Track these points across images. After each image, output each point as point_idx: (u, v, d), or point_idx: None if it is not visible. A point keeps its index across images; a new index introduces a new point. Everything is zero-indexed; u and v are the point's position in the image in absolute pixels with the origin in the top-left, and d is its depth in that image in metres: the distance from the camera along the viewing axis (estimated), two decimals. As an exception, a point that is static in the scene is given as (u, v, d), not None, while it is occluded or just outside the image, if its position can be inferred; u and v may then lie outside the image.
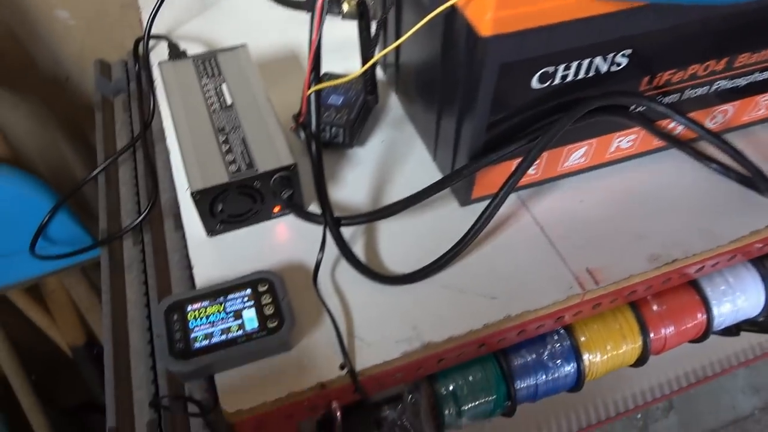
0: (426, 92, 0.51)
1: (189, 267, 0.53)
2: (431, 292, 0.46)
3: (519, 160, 0.47)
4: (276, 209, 0.49)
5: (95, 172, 0.63)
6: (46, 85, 0.83)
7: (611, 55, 0.42)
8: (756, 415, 1.27)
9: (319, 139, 0.45)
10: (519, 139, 0.44)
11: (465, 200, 0.50)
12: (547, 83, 0.42)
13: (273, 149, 0.47)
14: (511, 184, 0.44)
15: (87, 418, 1.07)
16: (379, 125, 0.58)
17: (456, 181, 0.45)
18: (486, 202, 0.48)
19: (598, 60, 0.42)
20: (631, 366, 0.55)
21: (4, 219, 0.68)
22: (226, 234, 0.49)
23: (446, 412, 0.49)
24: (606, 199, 0.52)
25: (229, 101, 0.51)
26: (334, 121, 0.53)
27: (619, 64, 0.43)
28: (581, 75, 0.43)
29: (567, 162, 0.51)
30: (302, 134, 0.48)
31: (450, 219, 0.50)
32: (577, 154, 0.50)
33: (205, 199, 0.45)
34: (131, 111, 0.71)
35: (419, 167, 0.55)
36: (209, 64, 0.55)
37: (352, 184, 0.53)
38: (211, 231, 0.48)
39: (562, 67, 0.41)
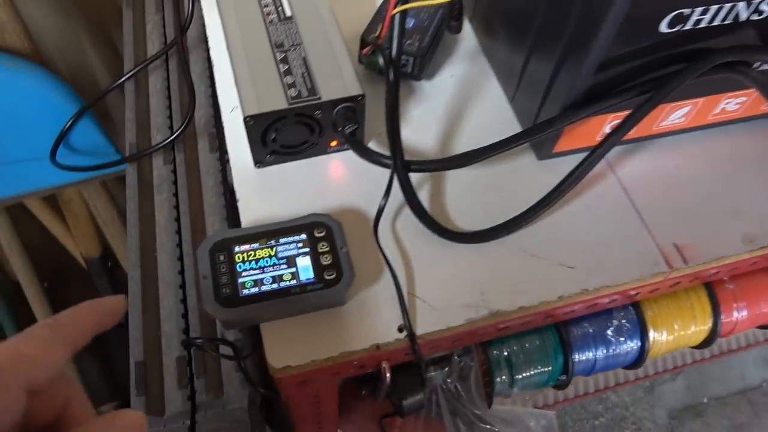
0: (516, 24, 0.44)
1: (224, 193, 0.49)
2: (502, 255, 0.41)
3: (616, 115, 0.41)
4: (333, 143, 0.44)
5: (124, 78, 0.57)
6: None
7: (757, 1, 0.35)
8: (764, 387, 1.26)
9: (398, 67, 0.38)
10: (628, 90, 0.38)
11: (545, 154, 0.44)
12: (677, 27, 0.35)
13: (339, 74, 0.40)
14: (611, 142, 0.39)
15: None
16: (449, 57, 0.51)
17: (548, 131, 0.39)
18: (567, 158, 0.42)
19: (741, 5, 0.35)
20: (694, 348, 0.51)
21: (23, 121, 0.62)
22: (274, 166, 0.44)
23: (498, 379, 0.46)
24: (701, 167, 0.46)
25: (288, 12, 0.44)
26: (403, 48, 0.46)
27: (761, 13, 0.36)
28: (717, 21, 0.36)
29: (665, 121, 0.44)
30: (380, 59, 0.42)
31: (525, 173, 0.45)
32: (679, 113, 0.44)
33: (258, 126, 0.39)
34: (164, 12, 0.64)
35: (492, 109, 0.48)
36: (265, -35, 0.47)
37: (417, 121, 0.47)
38: (260, 162, 0.43)
39: (699, 10, 0.34)
